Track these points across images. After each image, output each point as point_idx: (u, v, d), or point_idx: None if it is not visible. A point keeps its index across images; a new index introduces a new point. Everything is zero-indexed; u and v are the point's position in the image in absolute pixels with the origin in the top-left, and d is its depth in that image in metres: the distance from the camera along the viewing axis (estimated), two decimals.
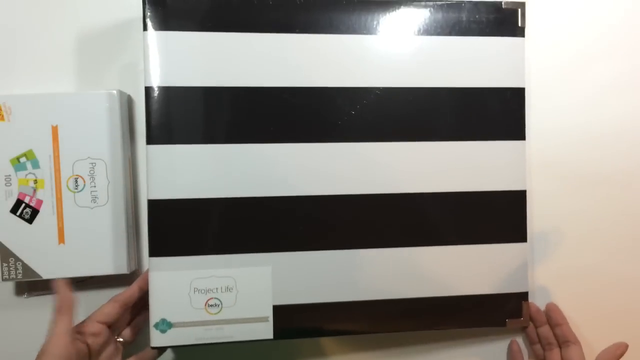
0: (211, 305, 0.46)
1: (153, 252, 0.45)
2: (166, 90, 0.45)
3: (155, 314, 0.45)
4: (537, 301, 0.53)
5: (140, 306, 0.47)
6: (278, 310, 0.47)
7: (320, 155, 0.47)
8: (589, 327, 0.53)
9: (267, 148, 0.46)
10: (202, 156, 0.45)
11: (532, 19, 0.52)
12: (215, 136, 0.46)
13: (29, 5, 0.48)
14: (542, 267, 0.53)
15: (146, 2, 0.45)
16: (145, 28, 0.45)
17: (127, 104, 0.49)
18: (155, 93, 0.45)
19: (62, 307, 0.41)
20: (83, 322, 0.44)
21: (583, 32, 0.54)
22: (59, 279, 0.42)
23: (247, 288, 0.46)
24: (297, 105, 0.47)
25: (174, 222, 0.45)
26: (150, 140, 0.45)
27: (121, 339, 0.46)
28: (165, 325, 0.45)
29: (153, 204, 0.45)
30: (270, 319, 0.47)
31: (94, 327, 0.43)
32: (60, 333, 0.40)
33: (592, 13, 0.54)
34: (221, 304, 0.46)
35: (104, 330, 0.44)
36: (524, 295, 0.50)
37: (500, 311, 0.50)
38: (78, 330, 0.43)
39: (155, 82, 0.45)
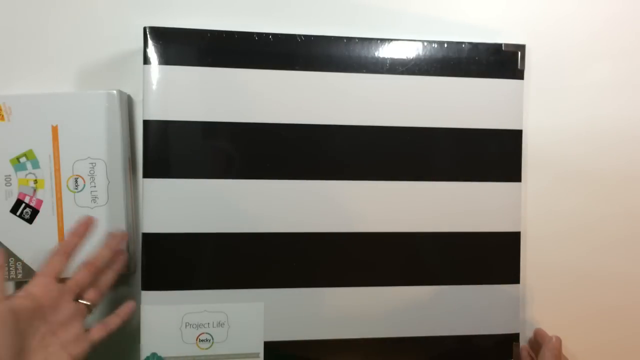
0: (202, 340, 0.46)
1: (145, 286, 0.45)
2: (164, 124, 0.45)
3: (146, 347, 0.45)
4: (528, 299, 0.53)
5: (101, 265, 0.45)
6: (269, 347, 0.47)
7: (315, 192, 0.47)
8: (586, 330, 0.54)
9: (263, 184, 0.46)
10: (197, 191, 0.45)
11: (535, 18, 0.52)
12: (211, 171, 0.46)
13: (29, 5, 0.48)
14: (534, 262, 0.53)
15: (147, 36, 0.45)
16: (145, 61, 0.45)
17: (127, 104, 0.49)
18: (154, 126, 0.45)
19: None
20: (30, 281, 0.41)
21: (582, 31, 0.53)
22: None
23: (238, 324, 0.46)
24: (295, 142, 0.47)
25: (167, 256, 0.45)
26: (146, 173, 0.45)
27: (85, 302, 0.43)
28: None
29: (147, 238, 0.45)
30: (261, 355, 0.47)
31: (39, 280, 0.40)
32: None
33: (592, 11, 0.53)
34: (212, 339, 0.46)
35: (51, 285, 0.41)
36: (515, 337, 0.50)
37: (490, 352, 0.50)
38: (22, 289, 0.40)
39: (154, 116, 0.45)
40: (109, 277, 0.45)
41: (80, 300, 0.43)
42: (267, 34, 0.46)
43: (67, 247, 0.43)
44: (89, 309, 0.43)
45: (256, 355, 0.46)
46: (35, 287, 0.40)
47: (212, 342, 0.46)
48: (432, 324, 0.49)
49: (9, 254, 0.46)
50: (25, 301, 0.39)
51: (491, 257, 0.50)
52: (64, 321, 0.41)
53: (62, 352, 0.40)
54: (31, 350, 0.38)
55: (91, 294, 0.43)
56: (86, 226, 0.44)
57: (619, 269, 0.54)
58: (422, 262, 0.49)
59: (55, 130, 0.46)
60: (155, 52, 0.45)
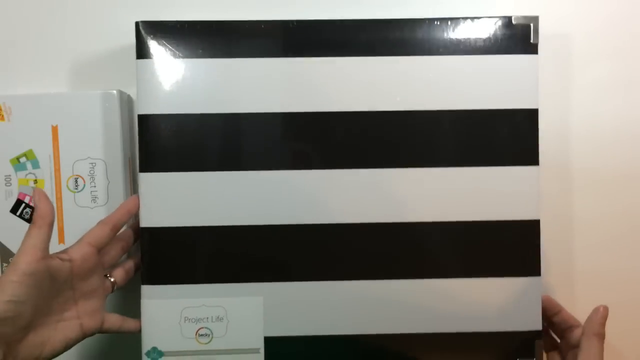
0: (202, 335, 0.45)
1: (145, 280, 0.45)
2: (159, 118, 0.45)
3: (147, 342, 0.45)
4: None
5: (131, 245, 0.46)
6: (269, 342, 0.45)
7: (316, 182, 0.45)
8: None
9: (259, 176, 0.45)
10: (195, 183, 0.45)
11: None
12: (207, 163, 0.45)
13: (29, 5, 0.49)
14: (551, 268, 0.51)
15: (140, 30, 0.45)
16: (138, 56, 0.45)
17: (127, 104, 0.49)
18: (148, 121, 0.45)
19: (37, 219, 0.38)
20: (72, 245, 0.41)
21: (584, 32, 0.51)
22: (38, 188, 0.40)
23: (238, 318, 0.45)
24: (289, 132, 0.45)
25: (166, 250, 0.45)
26: (143, 167, 0.45)
27: (112, 279, 0.44)
28: (156, 354, 0.45)
29: (146, 232, 0.45)
30: (262, 350, 0.45)
31: (82, 248, 0.40)
32: (30, 247, 0.37)
33: (593, 11, 0.51)
34: (212, 333, 0.45)
35: (92, 254, 0.40)
36: (537, 334, 0.46)
37: (510, 350, 0.46)
38: (63, 250, 0.40)
39: (148, 110, 0.45)
40: (133, 261, 0.46)
41: (108, 276, 0.44)
42: (259, 22, 0.45)
43: (115, 219, 0.43)
44: (113, 287, 0.44)
45: (256, 350, 0.45)
46: (76, 254, 0.40)
47: (212, 337, 0.45)
48: (444, 320, 0.46)
49: (9, 254, 0.47)
50: (63, 264, 0.39)
51: (508, 248, 0.46)
52: (88, 293, 0.41)
53: (76, 321, 0.40)
54: (50, 311, 0.39)
55: (119, 273, 0.44)
56: (135, 202, 0.45)
57: (620, 268, 0.51)
58: (433, 254, 0.46)
59: (55, 130, 0.47)
60: (148, 46, 0.45)
